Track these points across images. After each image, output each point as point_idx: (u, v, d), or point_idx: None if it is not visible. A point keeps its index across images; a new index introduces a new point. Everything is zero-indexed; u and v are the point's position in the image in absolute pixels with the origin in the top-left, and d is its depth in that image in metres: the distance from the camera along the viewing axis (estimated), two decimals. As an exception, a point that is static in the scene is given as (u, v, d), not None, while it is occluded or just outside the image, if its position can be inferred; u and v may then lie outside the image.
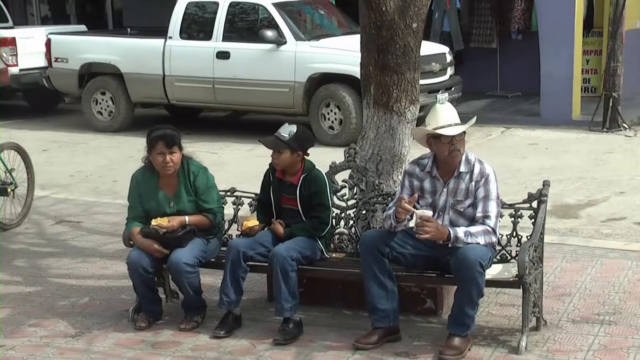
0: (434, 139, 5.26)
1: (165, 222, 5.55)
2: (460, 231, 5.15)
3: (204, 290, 5.80)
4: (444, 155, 5.25)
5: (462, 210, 5.27)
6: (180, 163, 5.67)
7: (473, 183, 5.26)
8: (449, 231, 5.14)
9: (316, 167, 5.74)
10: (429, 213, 5.20)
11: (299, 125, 5.71)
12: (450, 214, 5.29)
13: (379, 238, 5.30)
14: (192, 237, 5.60)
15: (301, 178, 5.65)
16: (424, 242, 5.19)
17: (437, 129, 5.21)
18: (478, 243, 5.13)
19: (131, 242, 5.70)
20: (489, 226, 5.19)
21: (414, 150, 6.30)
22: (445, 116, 5.25)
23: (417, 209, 5.21)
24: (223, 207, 5.87)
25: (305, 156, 5.70)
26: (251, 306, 5.96)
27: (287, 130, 5.61)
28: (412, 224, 5.37)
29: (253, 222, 5.66)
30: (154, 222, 5.57)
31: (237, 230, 5.90)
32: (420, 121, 5.54)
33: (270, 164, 5.76)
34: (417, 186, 5.36)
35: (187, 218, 5.62)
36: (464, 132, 5.26)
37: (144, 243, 5.58)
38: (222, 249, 5.89)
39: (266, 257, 5.55)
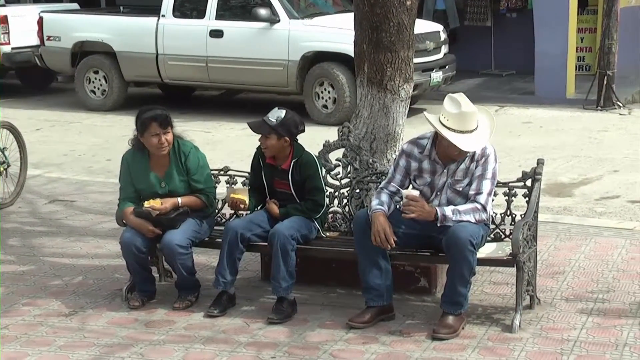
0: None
1: (158, 204, 5.52)
2: (448, 210, 5.13)
3: (198, 269, 5.80)
4: (454, 154, 5.18)
5: (460, 189, 5.24)
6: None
7: (474, 163, 5.23)
8: (436, 210, 5.13)
9: (306, 150, 5.69)
10: (416, 192, 5.19)
11: (289, 110, 5.63)
12: (448, 193, 5.26)
13: (372, 217, 5.28)
14: (185, 218, 5.57)
15: (292, 163, 5.61)
16: (416, 221, 5.18)
17: (459, 132, 5.07)
18: (468, 221, 5.12)
19: (124, 222, 5.68)
20: (479, 203, 5.16)
21: (408, 129, 6.30)
22: (469, 122, 5.11)
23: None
24: (215, 187, 5.84)
25: (293, 141, 5.64)
26: (245, 285, 5.95)
27: (275, 115, 5.55)
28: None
29: (241, 195, 5.61)
30: (146, 203, 5.54)
31: (226, 203, 5.82)
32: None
33: (258, 147, 5.71)
34: (415, 167, 5.31)
35: (179, 200, 5.59)
36: None
37: (137, 223, 5.56)
38: (216, 227, 5.88)
39: (262, 237, 5.53)
